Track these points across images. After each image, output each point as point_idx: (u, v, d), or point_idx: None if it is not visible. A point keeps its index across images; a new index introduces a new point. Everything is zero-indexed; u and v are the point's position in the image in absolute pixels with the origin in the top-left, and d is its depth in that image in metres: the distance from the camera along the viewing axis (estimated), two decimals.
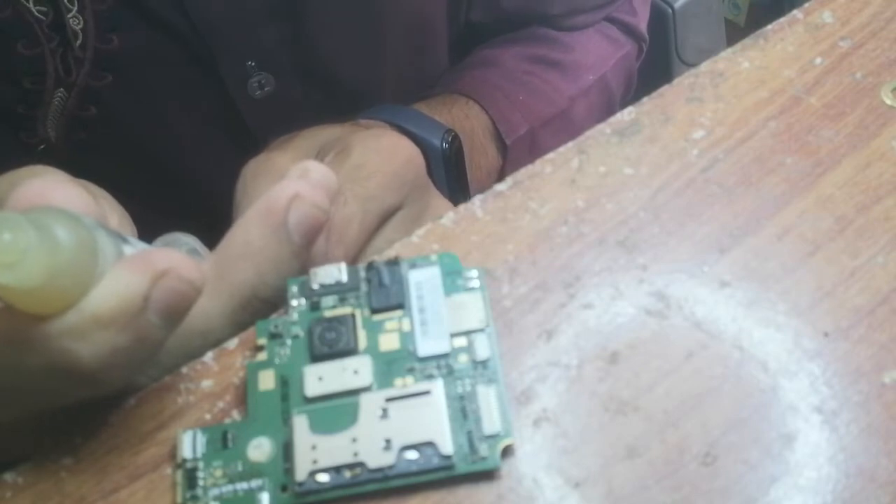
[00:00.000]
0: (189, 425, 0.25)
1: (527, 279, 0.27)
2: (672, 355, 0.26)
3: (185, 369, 0.26)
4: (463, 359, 0.25)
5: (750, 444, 0.24)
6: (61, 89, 0.39)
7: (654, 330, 0.26)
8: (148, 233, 0.27)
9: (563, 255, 0.28)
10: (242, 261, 0.26)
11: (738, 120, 0.31)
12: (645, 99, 0.31)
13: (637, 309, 0.27)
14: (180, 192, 0.46)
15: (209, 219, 0.47)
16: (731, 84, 0.31)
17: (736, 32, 0.94)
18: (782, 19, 0.33)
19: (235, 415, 0.25)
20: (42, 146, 0.41)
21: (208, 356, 0.26)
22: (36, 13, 0.36)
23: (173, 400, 0.26)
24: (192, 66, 0.42)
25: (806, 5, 0.33)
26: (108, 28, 0.38)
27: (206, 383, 0.26)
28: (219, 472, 0.24)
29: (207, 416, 0.26)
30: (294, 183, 0.27)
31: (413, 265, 0.27)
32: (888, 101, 0.31)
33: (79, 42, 0.37)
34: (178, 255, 0.23)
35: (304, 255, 0.27)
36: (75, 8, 0.37)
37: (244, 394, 0.25)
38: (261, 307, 0.27)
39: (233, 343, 0.27)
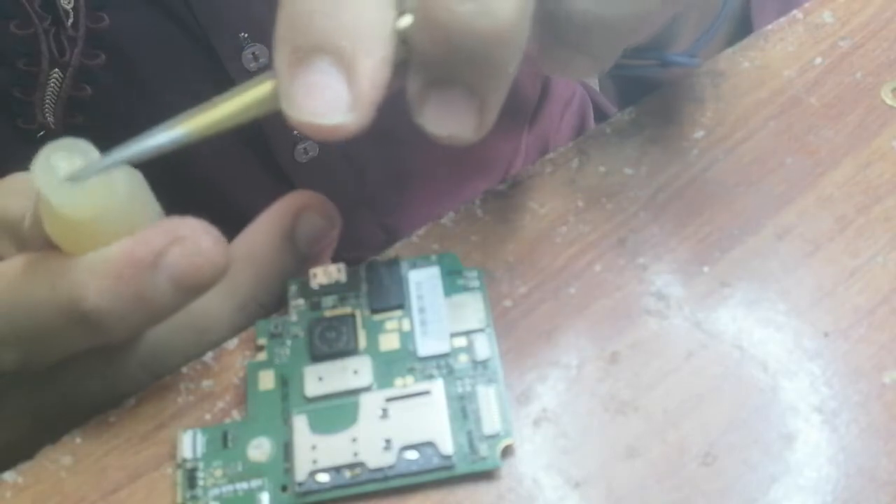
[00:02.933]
0: (189, 425, 0.25)
1: (527, 279, 0.27)
2: (672, 355, 0.26)
3: (185, 369, 0.26)
4: (463, 359, 0.25)
5: (750, 444, 0.24)
6: (56, 70, 0.39)
7: (654, 330, 0.26)
8: None
9: (563, 255, 0.28)
10: (245, 263, 0.26)
11: (738, 120, 0.31)
12: (645, 99, 0.31)
13: (637, 309, 0.27)
14: (179, 177, 0.46)
15: (210, 203, 0.47)
16: (731, 84, 0.31)
17: None
18: (782, 19, 0.33)
19: (235, 415, 0.25)
20: (41, 133, 0.41)
21: (208, 356, 0.27)
22: None
23: (173, 400, 0.26)
24: (186, 43, 0.42)
25: (806, 5, 0.33)
26: (98, 6, 0.38)
27: (207, 383, 0.26)
28: (219, 472, 0.24)
29: (207, 416, 0.26)
30: (304, 194, 0.27)
31: (413, 265, 0.27)
32: (888, 101, 0.31)
33: (70, 21, 0.37)
34: (204, 227, 0.23)
35: (312, 265, 0.27)
36: None
37: (244, 394, 0.25)
38: (258, 311, 0.27)
39: (233, 343, 0.27)
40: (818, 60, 0.32)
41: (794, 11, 0.33)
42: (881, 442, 0.24)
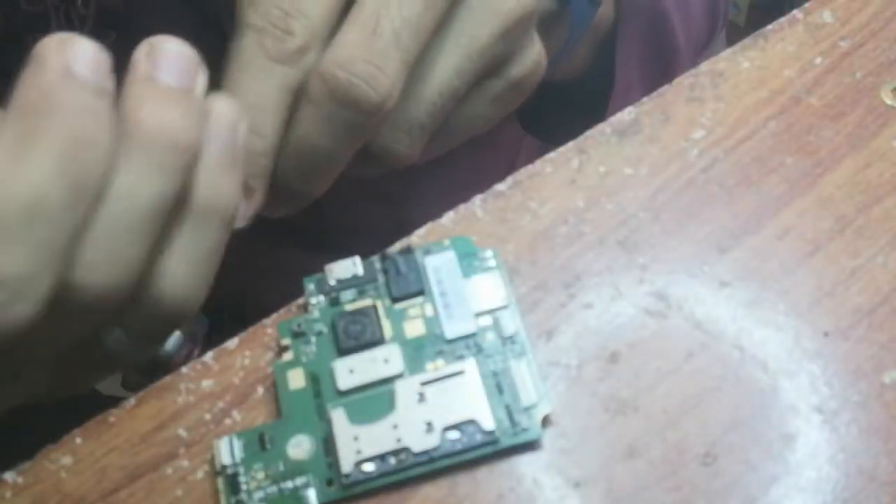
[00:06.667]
0: (189, 425, 0.25)
1: (527, 279, 0.27)
2: (672, 355, 0.26)
3: (184, 369, 0.26)
4: (490, 336, 0.26)
5: (750, 444, 0.24)
6: None
7: (654, 330, 0.26)
8: None
9: (563, 255, 0.28)
10: None
11: (738, 120, 0.30)
12: (645, 99, 0.31)
13: (637, 309, 0.27)
14: None
15: None
16: (731, 84, 0.31)
17: (736, 32, 0.93)
18: (782, 19, 0.33)
19: (236, 415, 0.25)
20: None
21: (208, 356, 0.27)
22: None
23: (173, 400, 0.26)
24: (198, 24, 0.41)
25: (806, 5, 0.33)
26: None
27: (206, 383, 0.26)
28: (261, 475, 0.24)
29: (207, 417, 0.26)
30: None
31: (427, 251, 0.27)
32: (888, 101, 0.31)
33: None
34: None
35: None
36: None
37: (244, 394, 0.25)
38: None
39: (233, 343, 0.27)
40: (818, 60, 0.32)
41: (794, 11, 0.33)
42: (881, 442, 0.24)
